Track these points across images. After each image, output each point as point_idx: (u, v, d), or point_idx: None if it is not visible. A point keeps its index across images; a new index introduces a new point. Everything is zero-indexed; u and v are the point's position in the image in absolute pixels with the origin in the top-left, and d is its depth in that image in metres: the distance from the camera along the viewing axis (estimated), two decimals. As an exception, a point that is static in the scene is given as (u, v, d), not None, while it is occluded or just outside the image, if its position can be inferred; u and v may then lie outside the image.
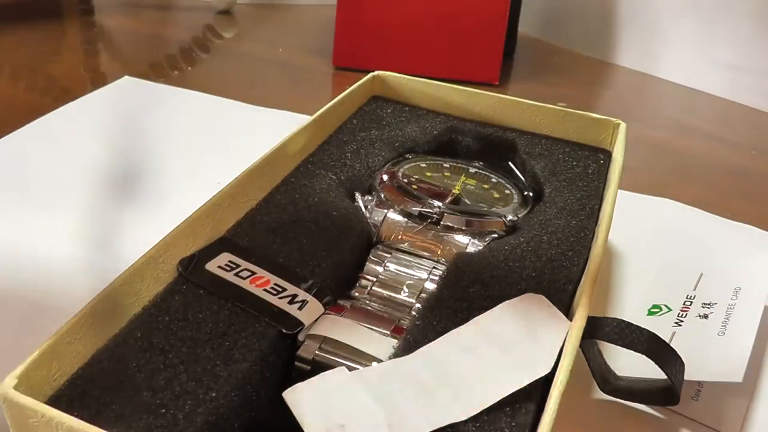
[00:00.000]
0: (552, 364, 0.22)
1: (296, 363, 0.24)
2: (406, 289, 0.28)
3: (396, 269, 0.29)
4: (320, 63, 0.67)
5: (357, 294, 0.28)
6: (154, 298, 0.24)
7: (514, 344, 0.23)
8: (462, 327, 0.23)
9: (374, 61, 0.63)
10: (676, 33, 0.70)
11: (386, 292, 0.28)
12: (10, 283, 0.33)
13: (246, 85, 0.61)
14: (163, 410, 0.20)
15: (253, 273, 0.26)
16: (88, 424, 0.18)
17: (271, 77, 0.66)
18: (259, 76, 0.65)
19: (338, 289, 0.27)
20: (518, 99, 0.39)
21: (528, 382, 0.21)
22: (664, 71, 0.72)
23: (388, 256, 0.29)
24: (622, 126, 0.37)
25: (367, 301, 0.27)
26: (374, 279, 0.28)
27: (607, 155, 0.37)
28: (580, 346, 0.25)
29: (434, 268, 0.28)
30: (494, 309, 0.24)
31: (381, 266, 0.29)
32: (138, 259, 0.24)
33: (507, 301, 0.24)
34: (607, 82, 0.73)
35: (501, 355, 0.22)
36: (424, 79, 0.41)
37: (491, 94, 0.39)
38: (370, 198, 0.32)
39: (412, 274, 0.28)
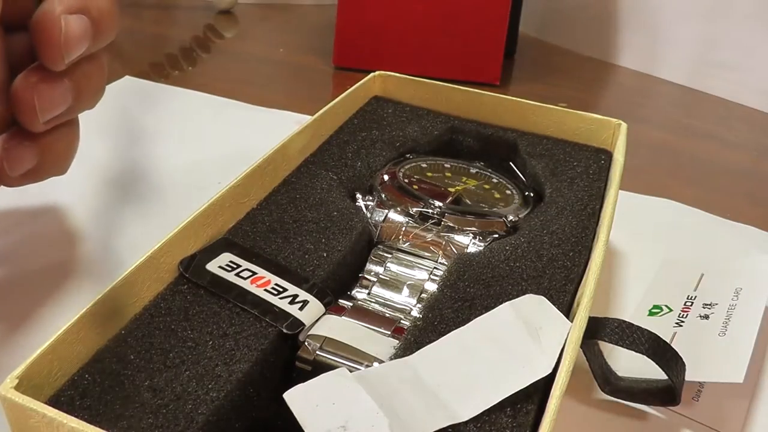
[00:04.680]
0: (553, 364, 0.22)
1: (297, 363, 0.24)
2: (406, 290, 0.28)
3: (397, 269, 0.29)
4: (320, 63, 0.67)
5: (358, 294, 0.28)
6: (155, 299, 0.24)
7: (515, 345, 0.23)
8: (463, 327, 0.23)
9: (375, 61, 0.63)
10: (678, 33, 0.70)
11: (387, 293, 0.28)
12: (10, 283, 0.33)
13: (246, 85, 0.61)
14: (164, 410, 0.20)
15: (254, 273, 0.26)
16: (88, 425, 0.18)
17: (272, 77, 0.66)
18: (259, 76, 0.65)
19: (339, 289, 0.27)
20: (519, 99, 0.39)
21: (529, 383, 0.21)
22: (665, 72, 0.72)
23: (389, 256, 0.29)
24: (623, 126, 0.37)
25: (368, 302, 0.27)
26: (375, 279, 0.28)
27: (608, 155, 0.37)
28: (581, 346, 0.25)
29: (435, 268, 0.28)
30: (495, 309, 0.24)
31: (382, 266, 0.29)
32: (138, 259, 0.24)
33: (508, 302, 0.24)
34: (608, 83, 0.73)
35: (502, 356, 0.22)
36: (424, 80, 0.41)
37: (492, 94, 0.39)
38: (370, 198, 0.32)
39: (412, 275, 0.28)
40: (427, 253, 0.29)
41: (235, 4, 0.80)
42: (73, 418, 0.18)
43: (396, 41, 0.64)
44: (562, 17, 0.80)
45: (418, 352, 0.23)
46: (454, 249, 0.29)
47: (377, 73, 0.41)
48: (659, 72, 0.72)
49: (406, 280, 0.28)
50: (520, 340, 0.23)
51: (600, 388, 0.28)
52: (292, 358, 0.24)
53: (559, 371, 0.21)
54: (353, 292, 0.28)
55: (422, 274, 0.28)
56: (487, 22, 0.63)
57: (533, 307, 0.24)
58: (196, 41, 0.71)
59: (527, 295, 0.25)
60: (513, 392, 0.21)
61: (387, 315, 0.26)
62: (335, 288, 0.27)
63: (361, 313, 0.25)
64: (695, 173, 0.53)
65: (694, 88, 0.70)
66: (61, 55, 0.23)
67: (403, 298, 0.27)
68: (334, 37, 0.65)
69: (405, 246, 0.30)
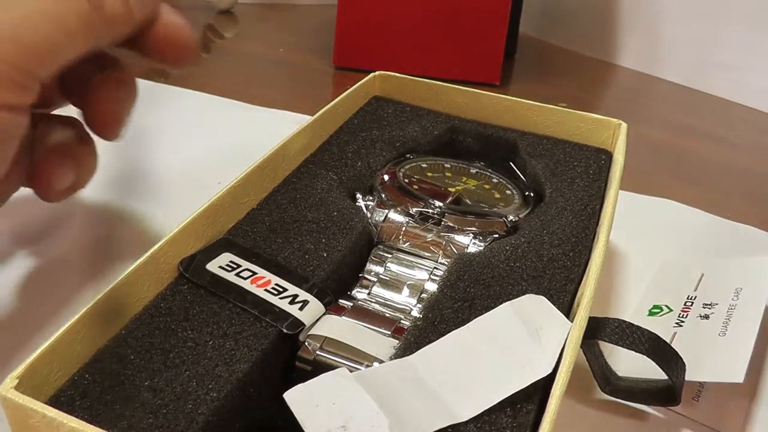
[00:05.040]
0: (553, 364, 0.22)
1: (297, 363, 0.24)
2: (407, 290, 0.28)
3: (397, 269, 0.28)
4: (320, 63, 0.67)
5: (358, 294, 0.28)
6: (155, 299, 0.24)
7: (515, 345, 0.23)
8: (463, 327, 0.23)
9: (375, 60, 0.63)
10: (678, 33, 0.70)
11: (387, 293, 0.28)
12: (11, 283, 0.33)
13: (246, 85, 0.61)
14: (164, 410, 0.20)
15: (254, 273, 0.26)
16: (88, 425, 0.18)
17: (272, 77, 0.66)
18: (259, 76, 0.65)
19: (339, 289, 0.27)
20: (519, 99, 0.39)
21: (529, 383, 0.21)
22: (665, 72, 0.72)
23: (389, 256, 0.29)
24: (623, 126, 0.37)
25: (368, 302, 0.27)
26: (375, 279, 0.28)
27: (608, 155, 0.37)
28: (581, 346, 0.25)
29: (435, 268, 0.28)
30: (495, 309, 0.24)
31: (382, 266, 0.29)
32: (138, 259, 0.24)
33: (508, 302, 0.24)
34: (608, 83, 0.73)
35: (502, 356, 0.22)
36: (425, 80, 0.41)
37: (492, 94, 0.39)
38: (370, 198, 0.32)
39: (413, 275, 0.28)
40: (427, 253, 0.29)
41: (235, 4, 0.80)
42: (73, 418, 0.18)
43: (396, 41, 0.64)
44: (562, 17, 0.80)
45: (418, 352, 0.23)
46: (454, 249, 0.29)
47: (377, 73, 0.41)
48: (659, 72, 0.72)
49: (406, 280, 0.28)
50: (520, 340, 0.23)
51: (600, 388, 0.28)
52: (292, 358, 0.24)
53: (559, 371, 0.21)
54: (353, 292, 0.28)
55: (422, 274, 0.28)
56: (487, 22, 0.63)
57: (533, 307, 0.24)
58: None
59: (527, 295, 0.25)
60: (513, 392, 0.21)
61: (387, 315, 0.26)
62: (335, 288, 0.27)
63: (361, 313, 0.25)
64: (695, 173, 0.53)
65: (694, 88, 0.70)
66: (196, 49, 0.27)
67: (404, 298, 0.27)
68: (334, 37, 0.65)
69: (405, 246, 0.30)
